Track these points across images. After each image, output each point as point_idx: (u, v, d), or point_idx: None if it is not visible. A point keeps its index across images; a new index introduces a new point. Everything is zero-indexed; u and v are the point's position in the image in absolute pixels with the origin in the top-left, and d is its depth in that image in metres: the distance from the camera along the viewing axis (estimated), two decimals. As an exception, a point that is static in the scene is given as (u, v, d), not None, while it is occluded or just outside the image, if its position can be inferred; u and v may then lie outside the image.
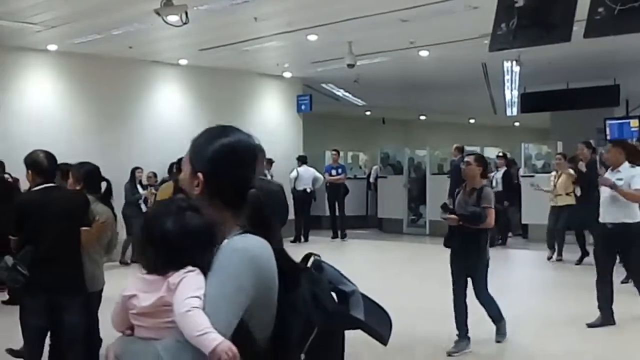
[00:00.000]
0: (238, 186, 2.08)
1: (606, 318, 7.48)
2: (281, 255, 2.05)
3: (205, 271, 1.94)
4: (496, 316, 6.91)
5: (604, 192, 7.48)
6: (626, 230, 7.29)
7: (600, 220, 7.51)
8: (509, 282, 11.05)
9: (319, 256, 2.14)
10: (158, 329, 1.92)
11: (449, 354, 6.53)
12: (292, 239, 15.97)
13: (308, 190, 16.53)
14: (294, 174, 16.38)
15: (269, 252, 2.00)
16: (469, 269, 6.67)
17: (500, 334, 6.98)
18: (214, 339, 1.82)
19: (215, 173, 2.08)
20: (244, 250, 1.96)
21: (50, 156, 5.33)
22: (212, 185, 2.07)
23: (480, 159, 6.92)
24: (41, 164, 5.27)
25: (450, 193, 14.48)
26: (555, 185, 12.50)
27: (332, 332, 2.04)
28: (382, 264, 13.06)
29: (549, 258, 12.61)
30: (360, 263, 13.32)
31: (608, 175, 7.60)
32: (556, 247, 12.55)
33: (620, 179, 7.33)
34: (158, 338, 1.90)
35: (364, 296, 2.12)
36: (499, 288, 9.83)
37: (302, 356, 1.95)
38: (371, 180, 19.88)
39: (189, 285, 1.90)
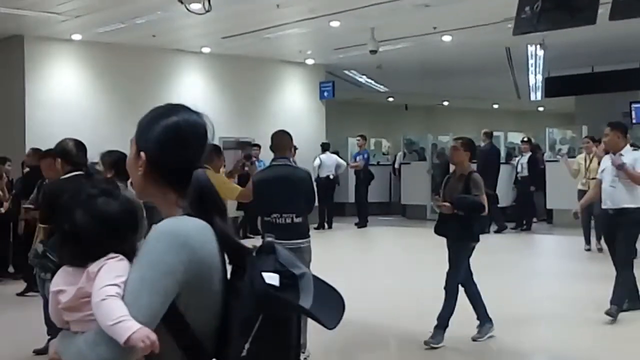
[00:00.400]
0: (182, 167, 1.96)
1: (633, 303, 7.38)
2: (225, 239, 1.91)
3: (130, 257, 1.83)
4: (445, 315, 6.26)
5: (607, 176, 7.17)
6: (627, 214, 7.01)
7: (602, 206, 7.27)
8: (533, 269, 11.01)
9: (273, 237, 2.02)
10: (84, 322, 1.79)
11: (474, 340, 6.52)
12: (315, 225, 16.00)
13: (331, 176, 16.56)
14: (317, 161, 16.42)
15: (207, 234, 1.86)
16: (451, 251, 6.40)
17: (434, 339, 6.29)
18: (129, 328, 1.68)
19: (159, 153, 1.97)
20: (172, 232, 1.83)
21: (79, 144, 5.39)
22: (155, 165, 1.97)
23: (468, 144, 6.63)
24: (70, 152, 5.33)
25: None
26: (587, 169, 12.14)
27: (282, 320, 1.88)
28: (405, 249, 13.07)
29: (588, 250, 11.88)
30: (382, 250, 13.36)
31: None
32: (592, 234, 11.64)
33: (624, 163, 7.00)
34: (85, 331, 1.79)
35: (317, 279, 1.94)
36: (524, 274, 9.80)
37: (247, 345, 1.79)
38: (395, 166, 19.85)
39: (108, 273, 1.78)
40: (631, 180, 6.93)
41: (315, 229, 15.69)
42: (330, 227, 16.49)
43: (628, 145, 7.17)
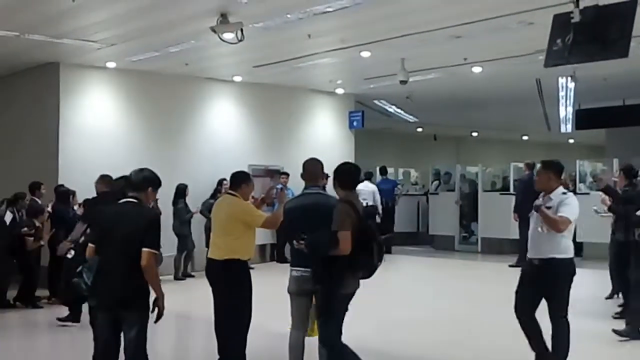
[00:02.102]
0: None
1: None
2: None
3: None
4: None
5: (533, 224, 6.43)
6: (552, 266, 6.21)
7: (528, 255, 6.46)
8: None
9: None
10: None
11: None
12: None
13: (368, 204, 16.62)
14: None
15: None
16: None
17: None
18: None
19: None
20: None
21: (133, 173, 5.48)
22: None
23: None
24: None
25: (516, 208, 14.47)
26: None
27: None
28: (429, 281, 13.00)
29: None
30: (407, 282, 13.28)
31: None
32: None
33: (550, 207, 6.24)
34: None
35: None
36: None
37: None
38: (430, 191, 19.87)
39: None
40: (546, 225, 6.17)
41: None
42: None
43: (561, 187, 6.44)
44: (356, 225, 5.27)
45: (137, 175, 5.39)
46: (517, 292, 6.48)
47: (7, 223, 10.16)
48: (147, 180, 5.38)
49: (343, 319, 5.47)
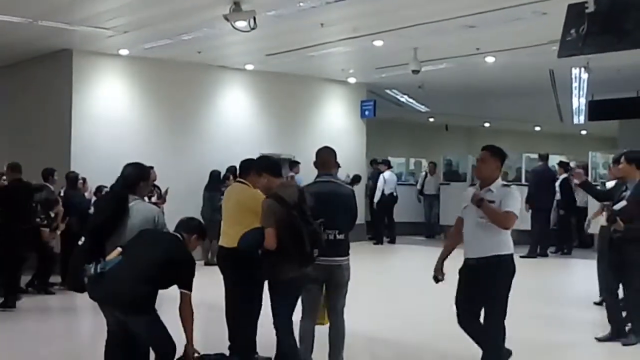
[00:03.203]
0: None
1: None
2: None
3: None
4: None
5: (469, 215, 5.70)
6: (494, 265, 5.53)
7: (465, 255, 5.71)
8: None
9: None
10: None
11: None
12: (374, 241, 17.09)
13: (395, 194, 17.19)
14: (381, 179, 17.00)
15: None
16: None
17: None
18: None
19: None
20: None
21: None
22: None
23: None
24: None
25: (528, 199, 14.44)
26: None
27: None
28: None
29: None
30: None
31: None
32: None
33: (492, 201, 5.54)
34: None
35: None
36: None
37: None
38: (419, 187, 19.62)
39: None
40: (491, 221, 5.48)
41: (374, 244, 16.78)
42: (393, 242, 17.17)
43: (500, 179, 5.75)
44: (283, 219, 5.33)
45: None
46: (457, 301, 5.77)
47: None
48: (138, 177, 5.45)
49: (293, 304, 5.57)
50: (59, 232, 10.55)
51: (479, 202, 5.49)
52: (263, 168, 5.76)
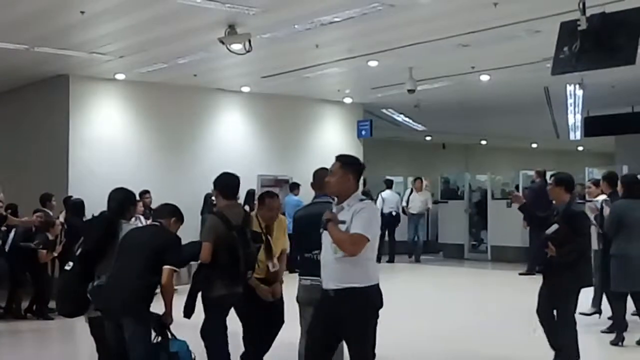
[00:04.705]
0: None
1: None
2: None
3: None
4: None
5: (326, 241, 4.81)
6: (352, 298, 4.66)
7: (323, 285, 4.85)
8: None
9: None
10: None
11: None
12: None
13: (394, 213, 17.12)
14: (379, 199, 16.96)
15: None
16: None
17: None
18: None
19: None
20: None
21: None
22: None
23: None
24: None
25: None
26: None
27: None
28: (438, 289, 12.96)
29: None
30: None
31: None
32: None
33: (343, 222, 4.70)
34: None
35: None
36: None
37: None
38: (404, 204, 19.13)
39: None
40: (335, 243, 4.66)
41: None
42: (392, 261, 16.86)
43: (359, 193, 4.94)
44: (223, 237, 5.72)
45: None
46: (309, 335, 5.01)
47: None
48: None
49: (222, 318, 5.89)
50: (55, 254, 10.50)
51: (324, 225, 4.72)
52: (217, 187, 6.28)
